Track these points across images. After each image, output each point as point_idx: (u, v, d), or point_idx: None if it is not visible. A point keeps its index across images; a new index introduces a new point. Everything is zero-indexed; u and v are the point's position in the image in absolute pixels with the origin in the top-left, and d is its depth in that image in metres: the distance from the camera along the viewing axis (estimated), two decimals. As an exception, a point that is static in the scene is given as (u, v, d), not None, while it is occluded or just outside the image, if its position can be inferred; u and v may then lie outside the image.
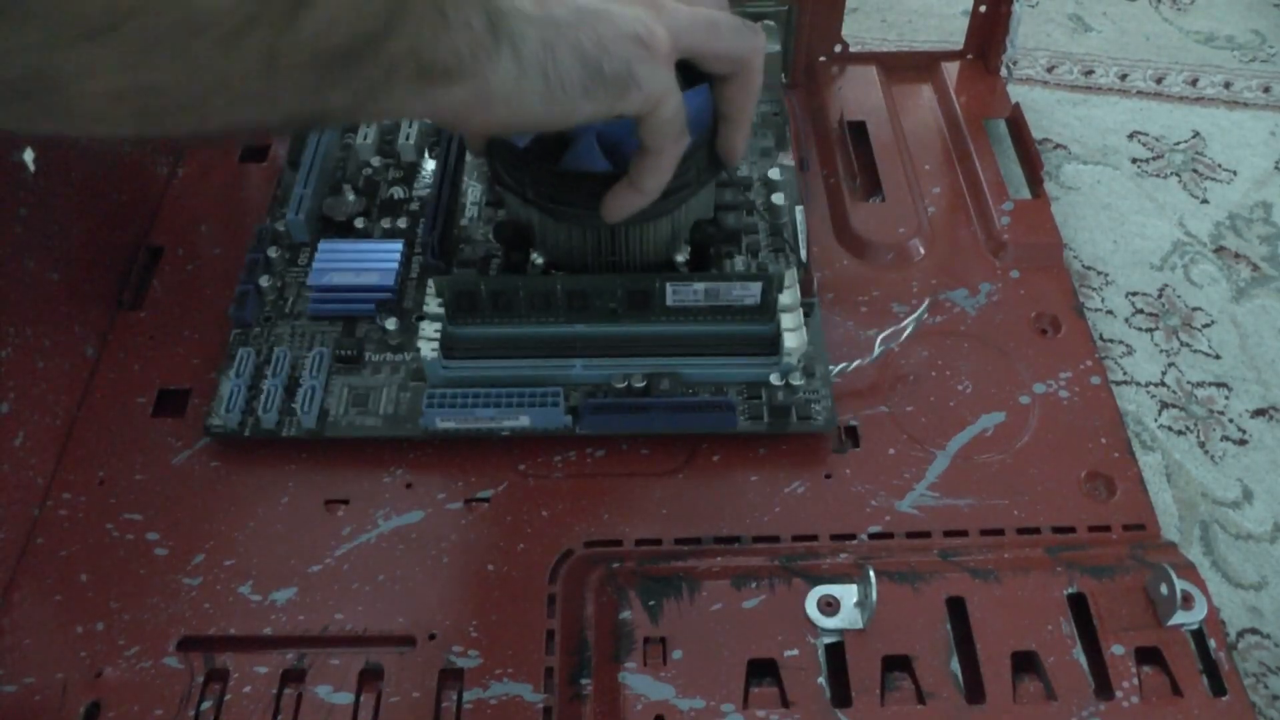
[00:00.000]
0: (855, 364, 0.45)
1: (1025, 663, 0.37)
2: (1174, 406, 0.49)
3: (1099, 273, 0.55)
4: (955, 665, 0.37)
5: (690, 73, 0.47)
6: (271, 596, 0.40)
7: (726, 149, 0.42)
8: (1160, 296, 0.54)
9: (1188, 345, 0.52)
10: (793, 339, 0.43)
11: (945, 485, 0.43)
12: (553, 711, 0.37)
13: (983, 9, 0.60)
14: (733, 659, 0.37)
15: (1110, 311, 0.53)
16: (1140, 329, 0.52)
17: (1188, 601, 0.38)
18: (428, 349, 0.43)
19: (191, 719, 0.37)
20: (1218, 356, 0.51)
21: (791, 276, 0.44)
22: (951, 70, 0.62)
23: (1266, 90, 0.65)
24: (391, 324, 0.46)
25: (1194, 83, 0.66)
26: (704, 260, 0.47)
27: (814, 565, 0.40)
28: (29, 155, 0.43)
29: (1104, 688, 0.37)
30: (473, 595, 0.40)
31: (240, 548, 0.41)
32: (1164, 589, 0.38)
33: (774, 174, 0.52)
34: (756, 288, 0.43)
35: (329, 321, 0.47)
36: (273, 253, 0.49)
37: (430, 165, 0.54)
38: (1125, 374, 0.51)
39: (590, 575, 0.40)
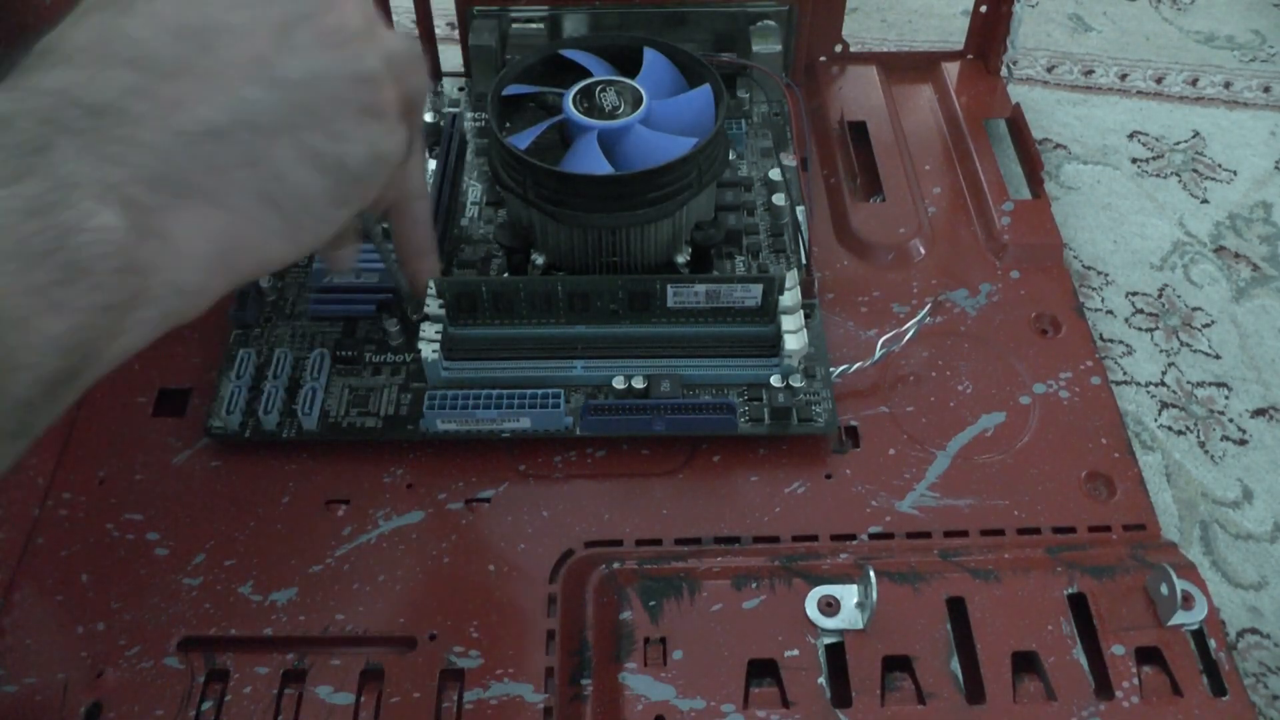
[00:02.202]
0: (856, 366, 0.45)
1: (1025, 663, 0.37)
2: (1174, 406, 0.49)
3: (1099, 273, 0.55)
4: (955, 665, 0.37)
5: (689, 72, 0.48)
6: (272, 597, 0.40)
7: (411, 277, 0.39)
8: (1160, 296, 0.54)
9: (1188, 345, 0.52)
10: (794, 341, 0.43)
11: (945, 485, 0.43)
12: (553, 712, 0.37)
13: (983, 9, 0.60)
14: (733, 659, 0.37)
15: (1110, 311, 0.53)
16: (1140, 329, 0.52)
17: (1188, 601, 0.38)
18: (428, 350, 0.42)
19: (192, 719, 0.37)
20: (1218, 356, 0.51)
21: (793, 278, 0.44)
22: (952, 70, 0.62)
23: (1266, 90, 0.65)
24: (392, 325, 0.46)
25: (1194, 83, 0.66)
26: (705, 261, 0.47)
27: (814, 565, 0.40)
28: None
29: (1104, 688, 0.37)
30: (473, 595, 0.40)
31: (240, 548, 0.41)
32: (1164, 589, 0.38)
33: (774, 174, 0.52)
34: (757, 289, 0.43)
35: (329, 322, 0.47)
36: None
37: (430, 165, 0.54)
38: (1125, 374, 0.51)
39: (590, 575, 0.40)
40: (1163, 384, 0.50)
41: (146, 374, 0.47)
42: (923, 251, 0.52)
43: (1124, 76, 0.66)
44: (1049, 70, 0.67)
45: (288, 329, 0.47)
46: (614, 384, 0.44)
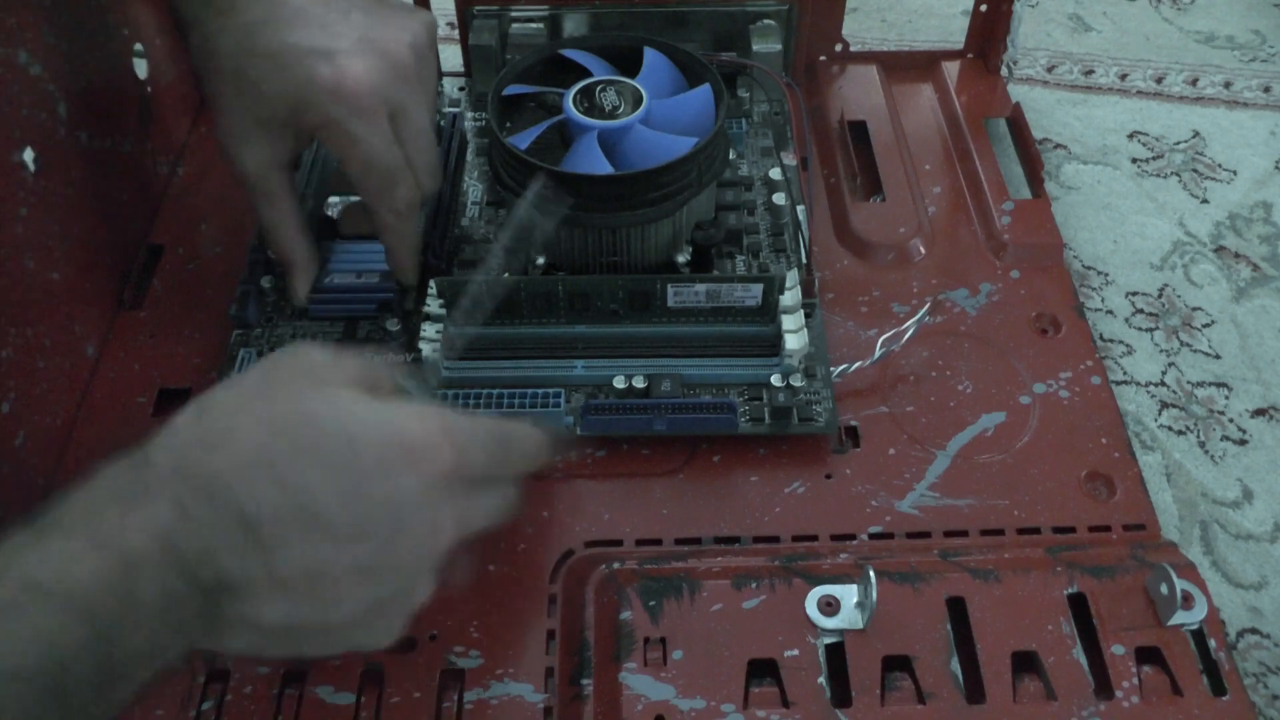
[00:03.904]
0: (856, 365, 0.45)
1: (1025, 663, 0.38)
2: (1174, 406, 0.49)
3: (1099, 273, 0.55)
4: (955, 665, 0.37)
5: (689, 72, 0.48)
6: (272, 597, 0.40)
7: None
8: (1160, 296, 0.54)
9: (1188, 345, 0.52)
10: (794, 340, 0.43)
11: (945, 485, 0.43)
12: (553, 712, 0.37)
13: (983, 9, 0.60)
14: (733, 659, 0.37)
15: (1110, 311, 0.53)
16: (1140, 329, 0.52)
17: (1188, 601, 0.38)
18: (429, 350, 0.42)
19: (192, 719, 0.37)
20: (1218, 356, 0.51)
21: (793, 278, 0.44)
22: (952, 70, 0.62)
23: (1266, 90, 0.65)
24: (393, 325, 0.46)
25: (1194, 83, 0.66)
26: (705, 261, 0.47)
27: (814, 565, 0.40)
28: (29, 155, 0.43)
29: (1104, 688, 0.37)
30: (473, 595, 0.40)
31: (241, 548, 0.41)
32: (1164, 589, 0.38)
33: (775, 174, 0.52)
34: (758, 289, 0.43)
35: (330, 322, 0.47)
36: (274, 253, 0.49)
37: (430, 165, 0.54)
38: (1125, 374, 0.51)
39: (591, 575, 0.40)
40: (1163, 384, 0.50)
41: (146, 374, 0.47)
42: (923, 251, 0.52)
43: (1124, 76, 0.66)
44: (1049, 70, 0.67)
45: (288, 329, 0.47)
46: (614, 384, 0.44)
